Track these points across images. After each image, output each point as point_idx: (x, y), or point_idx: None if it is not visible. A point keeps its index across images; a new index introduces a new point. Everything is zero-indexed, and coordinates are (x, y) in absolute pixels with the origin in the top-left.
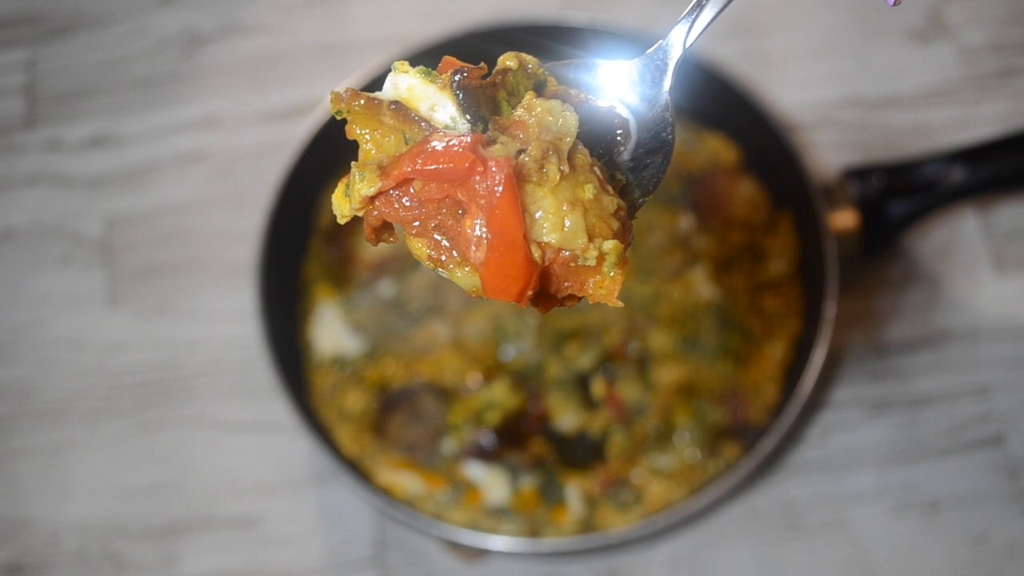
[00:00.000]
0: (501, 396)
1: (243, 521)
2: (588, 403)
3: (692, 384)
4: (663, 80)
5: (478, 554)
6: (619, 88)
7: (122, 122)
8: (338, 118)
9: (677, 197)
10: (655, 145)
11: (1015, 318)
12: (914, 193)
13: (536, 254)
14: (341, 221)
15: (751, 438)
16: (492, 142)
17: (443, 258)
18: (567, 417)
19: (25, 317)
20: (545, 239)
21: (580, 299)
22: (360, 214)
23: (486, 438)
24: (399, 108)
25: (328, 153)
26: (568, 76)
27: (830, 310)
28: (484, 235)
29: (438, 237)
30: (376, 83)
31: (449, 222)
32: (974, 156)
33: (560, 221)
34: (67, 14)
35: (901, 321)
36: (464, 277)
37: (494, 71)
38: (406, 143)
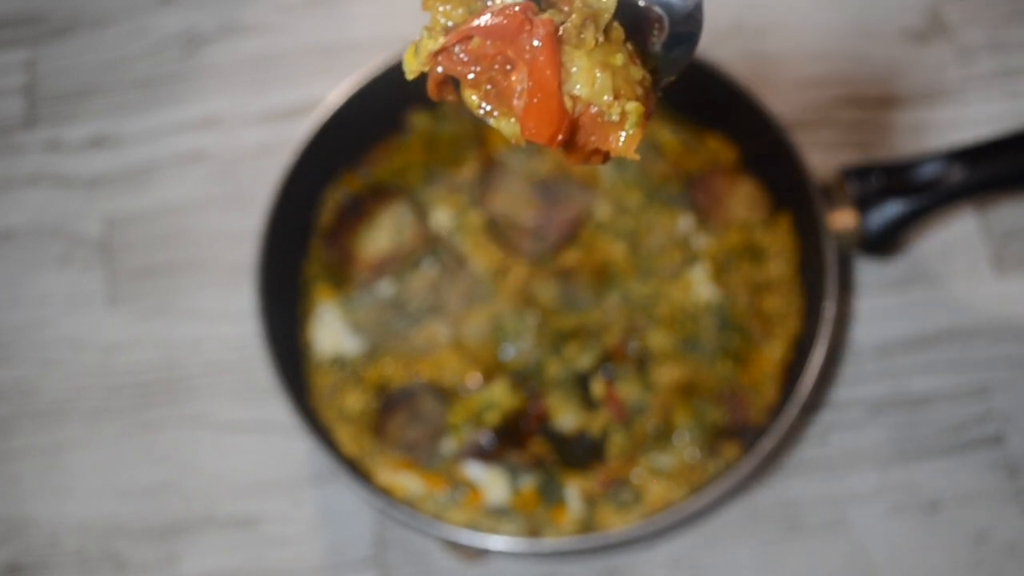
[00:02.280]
0: (501, 396)
1: (243, 521)
2: (588, 403)
3: (692, 384)
4: None
5: (478, 554)
6: None
7: (122, 122)
8: None
9: (676, 197)
10: (683, 38)
11: (1015, 318)
12: (913, 193)
13: (568, 104)
14: (409, 77)
15: (751, 438)
16: (542, 11)
17: (490, 108)
18: (567, 417)
19: (25, 317)
20: (576, 92)
21: (605, 159)
22: (425, 69)
23: (486, 438)
24: None
25: (328, 153)
26: None
27: (829, 310)
28: (527, 87)
29: (489, 87)
30: (377, 82)
31: (499, 77)
32: (973, 156)
33: (591, 78)
34: (67, 14)
35: (901, 321)
36: (507, 126)
37: None
38: (470, 14)
